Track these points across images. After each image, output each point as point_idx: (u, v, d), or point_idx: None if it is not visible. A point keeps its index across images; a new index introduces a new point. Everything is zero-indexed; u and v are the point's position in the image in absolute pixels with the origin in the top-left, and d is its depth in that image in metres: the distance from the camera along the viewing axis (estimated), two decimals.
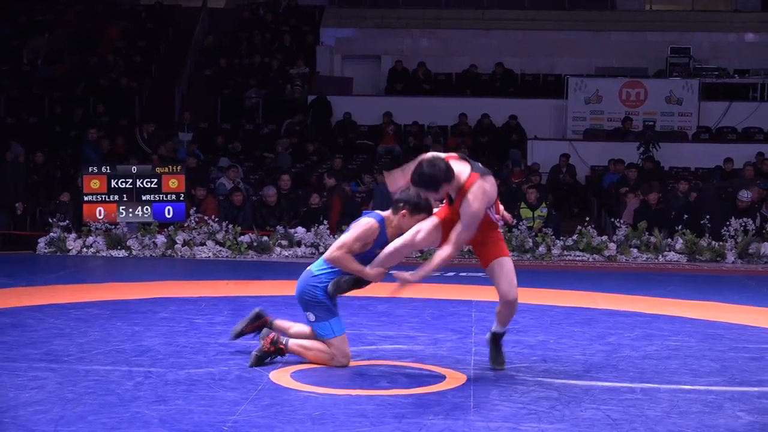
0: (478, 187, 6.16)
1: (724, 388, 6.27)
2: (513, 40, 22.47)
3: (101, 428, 5.23)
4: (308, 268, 6.76)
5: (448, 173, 6.16)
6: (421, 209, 6.48)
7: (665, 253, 13.95)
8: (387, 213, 6.66)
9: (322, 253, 13.60)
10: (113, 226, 14.34)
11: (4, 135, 18.66)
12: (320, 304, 6.61)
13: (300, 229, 14.15)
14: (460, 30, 22.70)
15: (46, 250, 14.08)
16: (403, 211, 6.51)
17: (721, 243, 14.06)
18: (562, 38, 22.27)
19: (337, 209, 15.31)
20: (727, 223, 14.33)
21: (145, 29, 23.84)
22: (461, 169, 6.27)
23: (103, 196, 14.42)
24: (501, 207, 6.62)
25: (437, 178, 6.13)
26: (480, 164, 6.40)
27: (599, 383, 6.46)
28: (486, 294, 10.39)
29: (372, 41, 22.90)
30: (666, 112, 20.32)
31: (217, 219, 14.44)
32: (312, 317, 6.66)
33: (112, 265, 13.17)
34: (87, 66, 21.85)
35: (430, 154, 6.31)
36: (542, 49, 22.30)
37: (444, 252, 6.35)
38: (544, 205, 15.16)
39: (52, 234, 14.23)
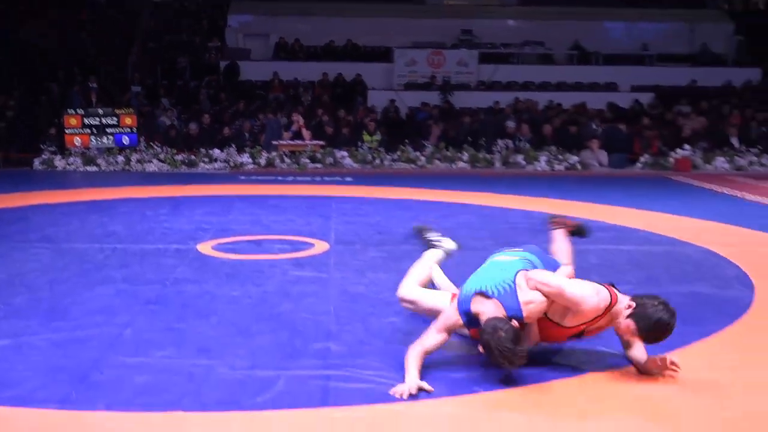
0: None
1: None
2: (358, 24, 22.17)
3: (82, 286, 5.12)
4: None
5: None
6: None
7: (457, 162, 14.16)
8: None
9: (233, 167, 13.52)
10: (87, 150, 13.83)
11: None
12: None
13: (216, 151, 13.88)
14: (324, 17, 22.28)
15: (40, 167, 13.46)
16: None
17: (491, 155, 14.34)
18: (391, 23, 22.07)
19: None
20: (496, 142, 14.60)
21: (107, 16, 22.74)
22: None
23: (80, 130, 13.91)
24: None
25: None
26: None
27: (414, 246, 6.58)
28: (342, 191, 10.44)
29: (264, 24, 22.33)
30: (457, 72, 20.41)
31: (159, 144, 14.09)
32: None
33: (87, 177, 12.70)
34: (67, 41, 20.78)
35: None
36: (378, 30, 22.11)
37: None
38: (379, 132, 15.21)
39: (44, 156, 13.62)
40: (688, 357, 3.77)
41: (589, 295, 3.50)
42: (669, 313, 3.44)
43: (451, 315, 3.67)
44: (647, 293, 3.61)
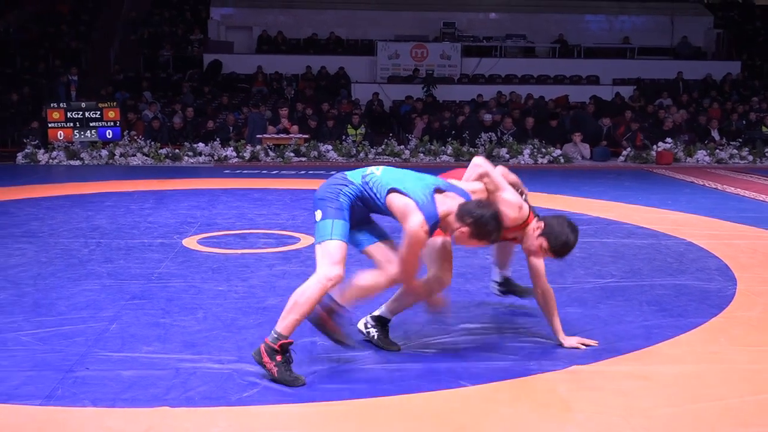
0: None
1: None
2: (341, 17, 22.11)
3: (67, 281, 5.08)
4: (344, 173, 3.80)
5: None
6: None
7: (441, 156, 14.17)
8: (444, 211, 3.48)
9: (217, 160, 13.45)
10: (70, 144, 13.70)
11: None
12: (333, 203, 3.75)
13: (200, 144, 13.81)
14: (306, 9, 22.21)
15: (22, 162, 13.31)
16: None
17: (475, 149, 14.36)
18: (374, 16, 22.03)
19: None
20: (479, 136, 14.62)
21: (87, 7, 22.45)
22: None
23: (63, 123, 13.80)
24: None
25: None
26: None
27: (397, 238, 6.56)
28: None
29: (246, 17, 22.21)
30: (440, 65, 20.41)
31: (143, 138, 13.98)
32: (319, 216, 3.81)
33: (71, 171, 12.60)
34: (47, 33, 20.51)
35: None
36: (361, 22, 22.05)
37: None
38: (363, 126, 15.18)
39: (26, 150, 13.46)
40: (672, 348, 3.79)
41: (518, 204, 3.63)
42: (574, 231, 3.65)
43: (422, 237, 3.43)
44: (553, 214, 3.86)
